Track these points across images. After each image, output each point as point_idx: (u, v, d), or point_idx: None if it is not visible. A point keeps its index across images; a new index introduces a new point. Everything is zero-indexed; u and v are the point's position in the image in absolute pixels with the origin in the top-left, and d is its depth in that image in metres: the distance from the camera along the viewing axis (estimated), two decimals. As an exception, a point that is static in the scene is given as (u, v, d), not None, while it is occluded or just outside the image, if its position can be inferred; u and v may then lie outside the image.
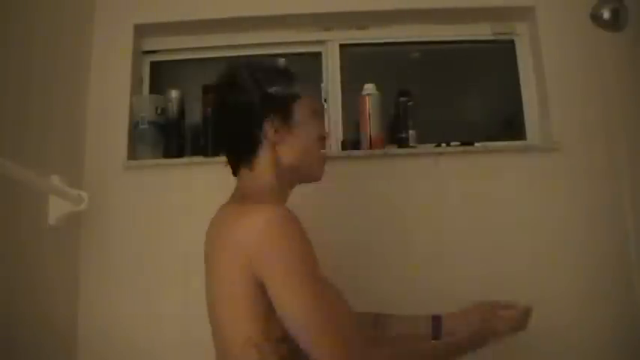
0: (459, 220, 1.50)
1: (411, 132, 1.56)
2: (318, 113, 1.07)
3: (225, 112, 1.01)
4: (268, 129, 0.97)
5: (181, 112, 1.59)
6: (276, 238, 0.86)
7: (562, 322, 1.42)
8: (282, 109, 0.98)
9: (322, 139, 1.05)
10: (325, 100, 1.66)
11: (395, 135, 1.58)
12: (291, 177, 1.01)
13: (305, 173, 1.03)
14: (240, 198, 0.99)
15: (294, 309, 0.85)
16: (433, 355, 1.02)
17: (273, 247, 0.85)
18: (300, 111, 1.00)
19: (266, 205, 0.91)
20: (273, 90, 0.98)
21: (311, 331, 0.84)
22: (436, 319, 1.14)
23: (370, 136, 1.53)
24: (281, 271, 0.85)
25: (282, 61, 1.11)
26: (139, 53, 1.69)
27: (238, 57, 1.72)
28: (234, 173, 1.03)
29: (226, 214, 0.97)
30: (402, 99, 1.58)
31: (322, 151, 1.05)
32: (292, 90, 1.01)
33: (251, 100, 0.97)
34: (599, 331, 1.42)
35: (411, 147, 1.55)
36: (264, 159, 0.98)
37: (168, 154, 1.56)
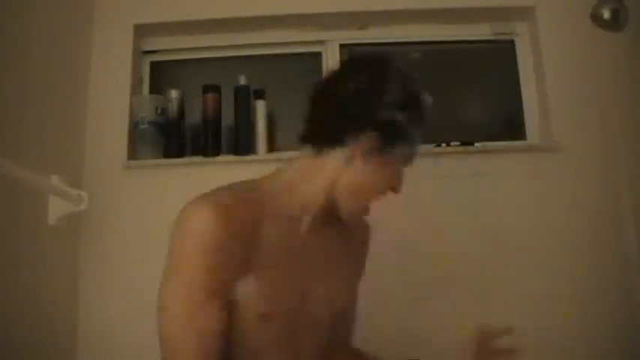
0: (458, 220, 1.49)
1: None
2: (403, 165, 0.91)
3: (347, 89, 0.86)
4: (364, 141, 0.84)
5: (181, 112, 1.59)
6: (179, 236, 0.80)
7: (562, 322, 1.42)
8: (391, 138, 0.85)
9: (388, 190, 0.90)
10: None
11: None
12: (329, 202, 0.88)
13: (341, 207, 0.89)
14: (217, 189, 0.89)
15: (159, 312, 0.79)
16: None
17: (174, 243, 0.80)
18: (399, 152, 0.87)
19: (209, 199, 0.82)
20: (400, 116, 0.85)
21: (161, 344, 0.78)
22: None
23: (370, 136, 1.53)
24: (167, 269, 0.80)
25: (429, 97, 0.92)
26: (139, 53, 1.69)
27: (238, 57, 1.73)
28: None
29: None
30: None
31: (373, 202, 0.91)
32: (414, 129, 0.87)
33: (382, 102, 0.84)
34: (600, 331, 1.42)
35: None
36: (332, 162, 0.86)
37: (168, 154, 1.55)
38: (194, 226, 0.79)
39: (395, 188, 0.90)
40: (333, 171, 0.86)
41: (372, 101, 0.84)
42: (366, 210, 0.92)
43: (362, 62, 0.92)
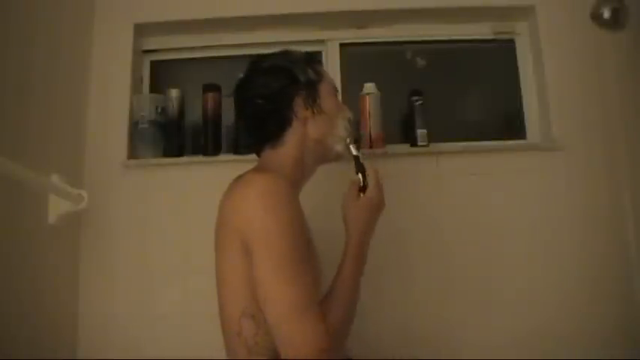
0: (458, 220, 1.50)
1: (419, 131, 1.54)
2: (337, 93, 1.14)
3: (256, 95, 1.05)
4: (299, 107, 1.04)
5: (181, 112, 1.59)
6: (262, 211, 0.88)
7: (562, 322, 1.42)
8: (310, 88, 1.05)
9: (348, 120, 1.11)
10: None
11: (406, 134, 1.59)
12: (316, 151, 1.06)
13: (329, 147, 1.07)
14: (255, 169, 1.01)
15: (267, 286, 0.86)
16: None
17: (259, 219, 0.88)
18: (325, 90, 1.08)
19: (262, 175, 0.94)
20: (300, 71, 1.06)
21: (277, 315, 0.85)
22: None
23: (370, 135, 1.53)
24: (262, 245, 0.87)
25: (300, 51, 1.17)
26: (139, 52, 1.69)
27: (238, 56, 1.72)
28: (258, 154, 1.08)
29: (232, 187, 0.98)
30: (412, 98, 1.57)
31: (347, 133, 1.09)
32: (317, 70, 1.09)
33: (281, 82, 1.04)
34: (599, 331, 1.42)
35: (411, 146, 1.55)
36: (292, 136, 1.04)
37: (168, 153, 1.55)
38: (279, 197, 0.90)
39: (345, 114, 1.10)
40: (300, 138, 1.04)
41: (281, 81, 1.04)
42: (345, 139, 1.08)
43: (255, 65, 1.10)
